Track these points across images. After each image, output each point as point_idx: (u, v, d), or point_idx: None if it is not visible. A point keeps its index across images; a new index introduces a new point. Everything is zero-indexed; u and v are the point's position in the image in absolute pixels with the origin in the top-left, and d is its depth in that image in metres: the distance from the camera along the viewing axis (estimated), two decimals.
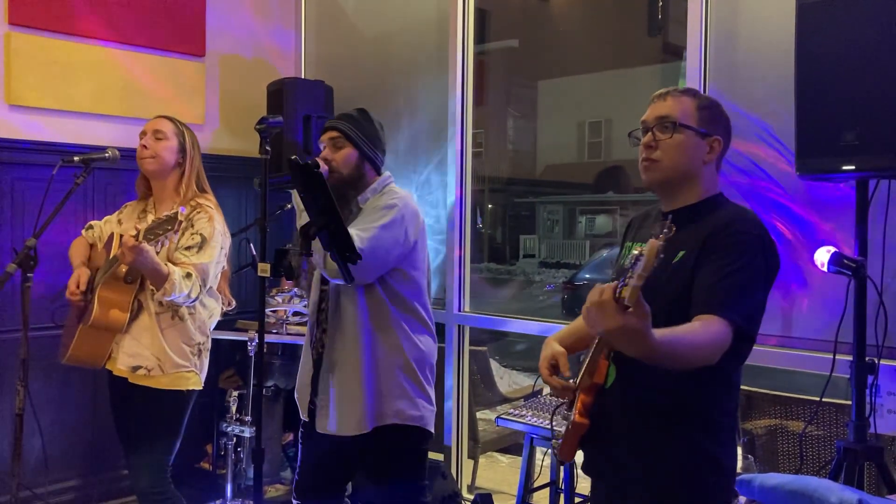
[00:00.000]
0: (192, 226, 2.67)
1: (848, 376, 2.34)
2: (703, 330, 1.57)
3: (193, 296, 2.60)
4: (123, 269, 2.60)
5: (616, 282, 1.39)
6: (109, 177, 3.74)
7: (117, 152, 2.80)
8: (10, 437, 3.25)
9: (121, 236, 2.65)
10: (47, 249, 2.68)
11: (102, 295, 2.62)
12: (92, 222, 2.95)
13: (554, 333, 2.01)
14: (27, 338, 2.60)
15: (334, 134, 2.44)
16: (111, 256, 2.65)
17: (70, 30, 3.70)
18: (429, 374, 2.49)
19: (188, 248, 2.64)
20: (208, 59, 4.23)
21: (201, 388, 2.76)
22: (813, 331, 2.66)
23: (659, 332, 1.46)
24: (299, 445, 2.60)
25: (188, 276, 2.57)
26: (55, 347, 2.82)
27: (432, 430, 2.50)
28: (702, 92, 1.84)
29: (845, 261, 2.31)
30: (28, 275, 2.58)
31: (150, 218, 2.72)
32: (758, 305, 1.68)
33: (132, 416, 2.73)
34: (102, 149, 2.79)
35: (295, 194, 2.39)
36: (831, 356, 2.38)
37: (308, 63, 4.61)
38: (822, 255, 2.35)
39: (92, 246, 2.87)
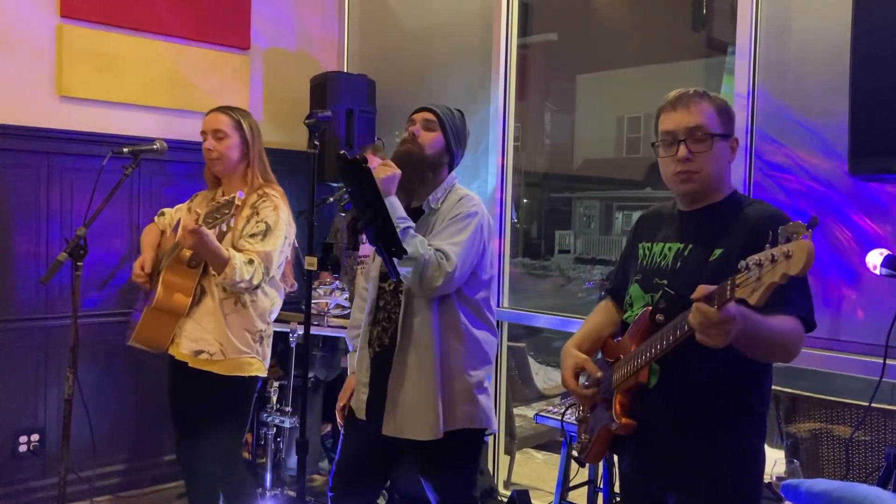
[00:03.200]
0: (258, 213, 2.69)
1: None
2: (789, 325, 1.63)
3: (255, 282, 2.61)
4: (188, 253, 2.64)
5: (710, 296, 1.44)
6: (155, 168, 3.80)
7: (165, 144, 2.84)
8: (59, 421, 3.32)
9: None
10: (94, 237, 2.73)
11: (166, 278, 2.66)
12: (164, 209, 3.00)
13: (569, 340, 2.02)
14: (76, 325, 2.66)
15: (429, 116, 2.42)
16: (175, 242, 2.69)
17: (119, 22, 3.76)
18: (489, 373, 2.50)
19: (252, 236, 2.66)
20: (252, 52, 4.27)
21: (265, 374, 2.79)
22: (863, 334, 2.60)
23: (760, 318, 1.52)
24: (340, 439, 2.60)
25: (250, 262, 2.59)
26: (101, 333, 2.88)
27: (494, 428, 2.51)
28: (711, 93, 1.85)
29: None
30: (78, 263, 2.63)
31: None
32: (811, 296, 1.72)
33: (195, 402, 2.77)
34: (151, 140, 2.84)
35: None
36: (882, 361, 2.33)
37: (351, 57, 4.63)
38: (875, 258, 2.30)
39: (163, 233, 2.92)
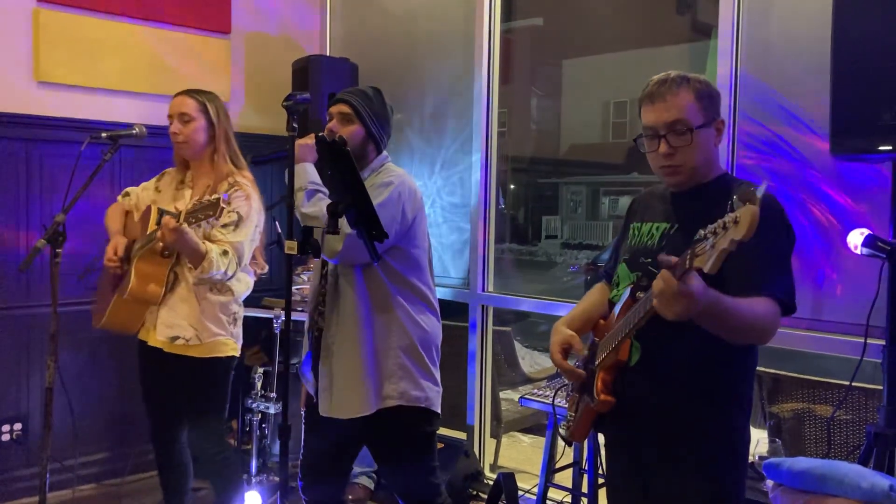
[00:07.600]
0: (230, 203, 2.69)
1: (879, 360, 2.30)
2: (761, 307, 1.61)
3: (230, 273, 2.64)
4: (161, 243, 2.63)
5: (672, 266, 1.42)
6: (135, 153, 3.76)
7: (144, 129, 2.81)
8: (40, 410, 3.30)
9: (160, 212, 2.67)
10: (74, 224, 2.70)
11: (139, 267, 2.66)
12: (128, 189, 2.98)
13: (562, 318, 2.02)
14: (56, 313, 2.63)
15: (345, 109, 2.40)
16: (149, 232, 2.67)
17: (97, 6, 3.70)
18: (434, 355, 2.45)
19: (225, 226, 2.67)
20: (234, 36, 4.23)
21: (239, 354, 2.82)
22: (844, 314, 2.62)
23: (727, 298, 1.52)
24: (303, 428, 2.59)
25: (224, 253, 2.62)
26: (83, 322, 2.86)
27: (438, 411, 2.46)
28: (691, 75, 1.79)
29: (879, 243, 2.27)
30: (57, 250, 2.60)
31: (188, 192, 2.78)
32: (792, 279, 1.71)
33: (174, 387, 2.78)
34: (129, 125, 2.81)
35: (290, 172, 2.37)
36: (863, 340, 2.34)
37: (333, 40, 4.59)
38: (856, 238, 2.31)
39: (128, 213, 2.90)
